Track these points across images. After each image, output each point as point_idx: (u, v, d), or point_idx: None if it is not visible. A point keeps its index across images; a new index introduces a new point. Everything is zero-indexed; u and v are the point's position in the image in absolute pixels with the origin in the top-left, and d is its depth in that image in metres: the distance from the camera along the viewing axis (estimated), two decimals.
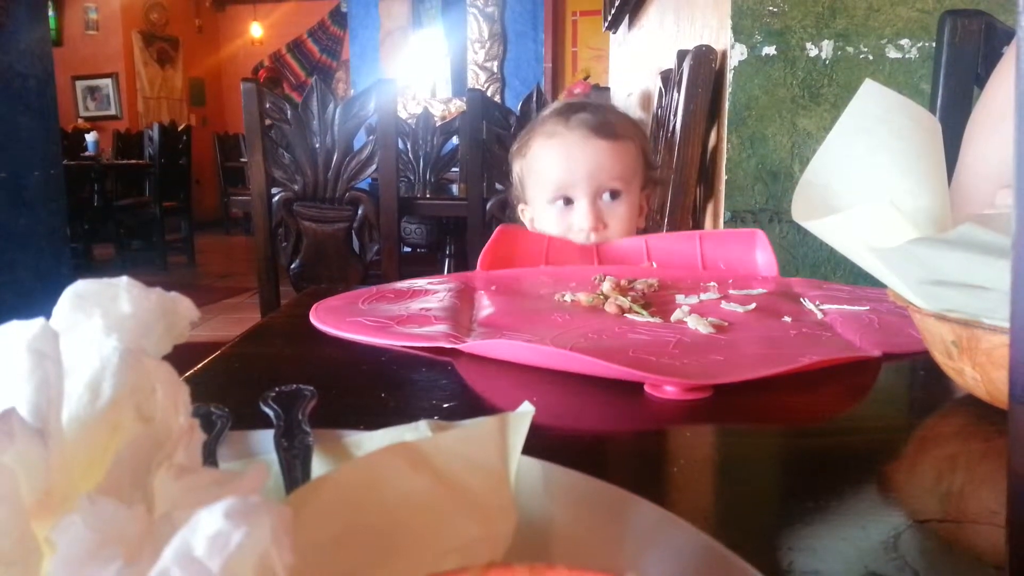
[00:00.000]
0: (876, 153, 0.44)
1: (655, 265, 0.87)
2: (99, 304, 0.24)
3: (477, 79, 6.36)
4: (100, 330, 0.24)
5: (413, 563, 0.20)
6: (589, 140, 1.02)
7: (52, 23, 7.19)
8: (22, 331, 0.21)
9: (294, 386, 0.34)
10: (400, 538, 0.21)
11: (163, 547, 0.16)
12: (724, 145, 1.49)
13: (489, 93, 5.89)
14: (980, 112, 1.02)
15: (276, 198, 2.12)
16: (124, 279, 0.25)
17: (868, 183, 0.44)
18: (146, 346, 0.25)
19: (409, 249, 3.32)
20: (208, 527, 0.15)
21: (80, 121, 7.57)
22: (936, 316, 0.43)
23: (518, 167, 1.13)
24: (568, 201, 1.03)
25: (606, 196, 1.03)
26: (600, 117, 1.04)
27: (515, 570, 0.16)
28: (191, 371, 0.51)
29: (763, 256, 0.83)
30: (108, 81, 7.87)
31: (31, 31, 1.98)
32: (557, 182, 1.03)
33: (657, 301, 0.67)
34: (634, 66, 3.38)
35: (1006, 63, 1.01)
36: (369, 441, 0.30)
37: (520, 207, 1.15)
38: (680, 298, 0.67)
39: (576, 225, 1.02)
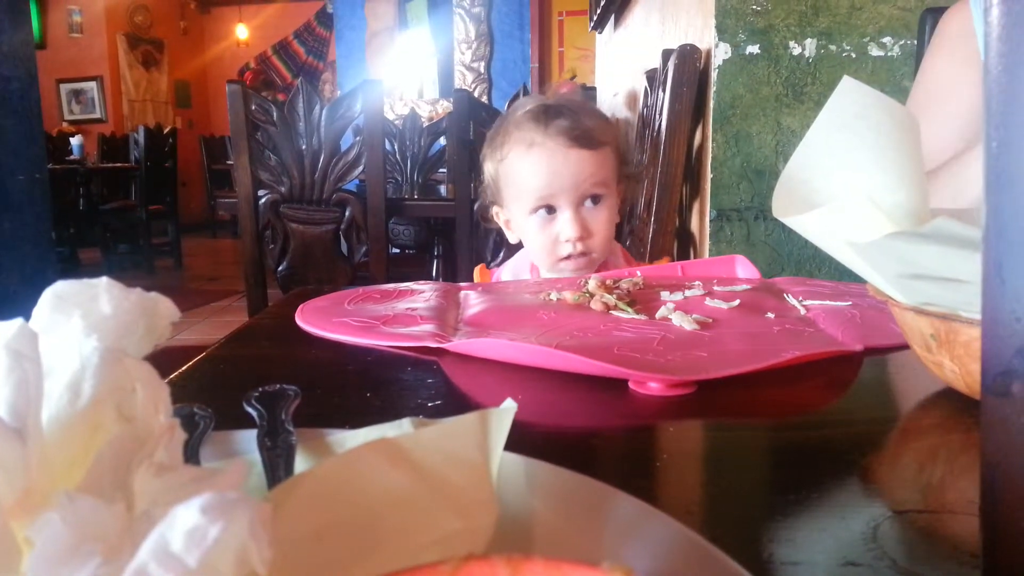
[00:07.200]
0: (854, 149, 0.44)
1: (639, 273, 0.87)
2: (79, 305, 0.24)
3: (464, 80, 6.36)
4: (80, 330, 0.24)
5: (393, 556, 0.21)
6: (571, 150, 0.99)
7: (35, 25, 7.13)
8: (0, 332, 0.21)
9: (277, 386, 0.34)
10: (380, 532, 0.22)
11: (142, 544, 0.16)
12: (709, 144, 1.50)
13: (476, 94, 5.89)
14: (916, 93, 1.04)
15: (263, 200, 2.11)
16: (104, 280, 0.25)
17: (847, 179, 0.44)
18: (127, 346, 0.25)
19: (397, 250, 3.31)
20: (185, 522, 0.15)
21: (65, 124, 7.52)
22: (915, 310, 0.43)
23: (491, 169, 1.09)
24: (551, 210, 1.01)
25: (588, 202, 1.01)
26: (578, 123, 1.00)
27: (493, 561, 0.17)
28: (177, 373, 0.51)
29: (745, 273, 0.83)
30: (93, 84, 7.82)
31: (13, 33, 1.96)
32: (538, 192, 1.00)
33: (642, 298, 0.67)
34: (620, 66, 3.39)
35: (937, 42, 1.03)
36: (352, 439, 0.31)
37: (495, 209, 1.12)
38: (665, 295, 0.68)
39: (562, 235, 1.00)
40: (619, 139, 1.09)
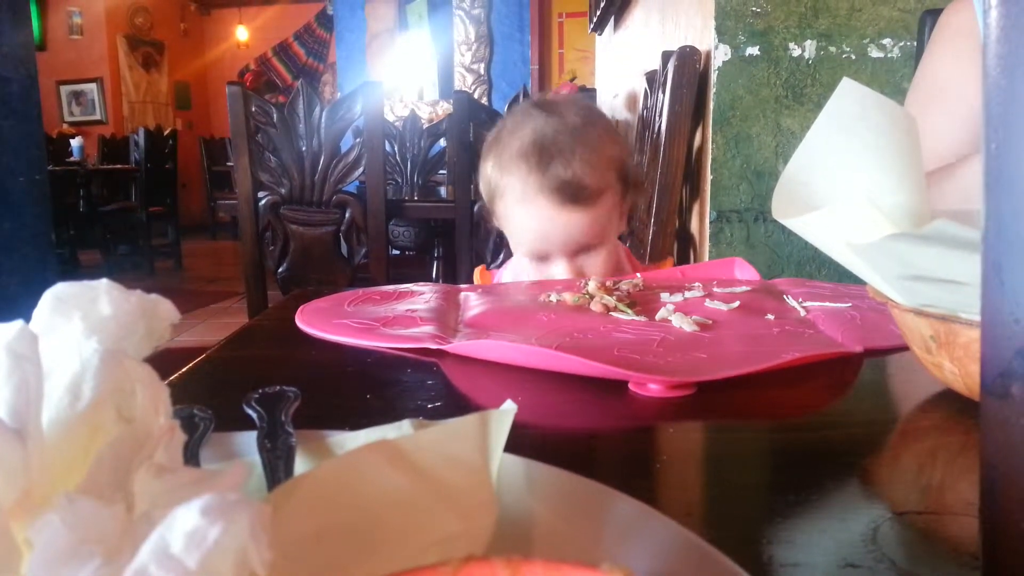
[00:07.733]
0: (854, 151, 0.44)
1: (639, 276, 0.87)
2: (79, 307, 0.24)
3: (464, 81, 6.35)
4: (80, 332, 0.24)
5: (393, 558, 0.21)
6: (563, 209, 0.91)
7: (35, 27, 7.14)
8: (0, 334, 0.21)
9: (277, 387, 0.34)
10: (380, 533, 0.22)
11: (142, 545, 0.16)
12: (709, 145, 1.50)
13: (476, 95, 5.89)
14: (916, 89, 1.04)
15: (263, 202, 2.11)
16: (104, 281, 0.25)
17: (846, 180, 0.44)
18: (127, 348, 0.25)
19: (397, 252, 3.31)
20: (185, 524, 0.15)
21: (65, 126, 7.52)
22: (914, 311, 0.43)
23: (486, 187, 1.01)
24: (544, 256, 0.97)
25: (583, 251, 0.96)
26: (573, 173, 0.90)
27: (492, 563, 0.17)
28: (177, 374, 0.51)
29: (744, 276, 0.83)
30: (93, 86, 7.82)
31: (13, 35, 1.96)
32: (530, 245, 0.96)
33: (642, 300, 0.67)
34: (620, 67, 3.40)
35: (937, 38, 1.03)
36: (352, 441, 0.31)
37: (493, 216, 1.06)
38: (665, 296, 0.68)
39: None
40: (621, 162, 0.99)
